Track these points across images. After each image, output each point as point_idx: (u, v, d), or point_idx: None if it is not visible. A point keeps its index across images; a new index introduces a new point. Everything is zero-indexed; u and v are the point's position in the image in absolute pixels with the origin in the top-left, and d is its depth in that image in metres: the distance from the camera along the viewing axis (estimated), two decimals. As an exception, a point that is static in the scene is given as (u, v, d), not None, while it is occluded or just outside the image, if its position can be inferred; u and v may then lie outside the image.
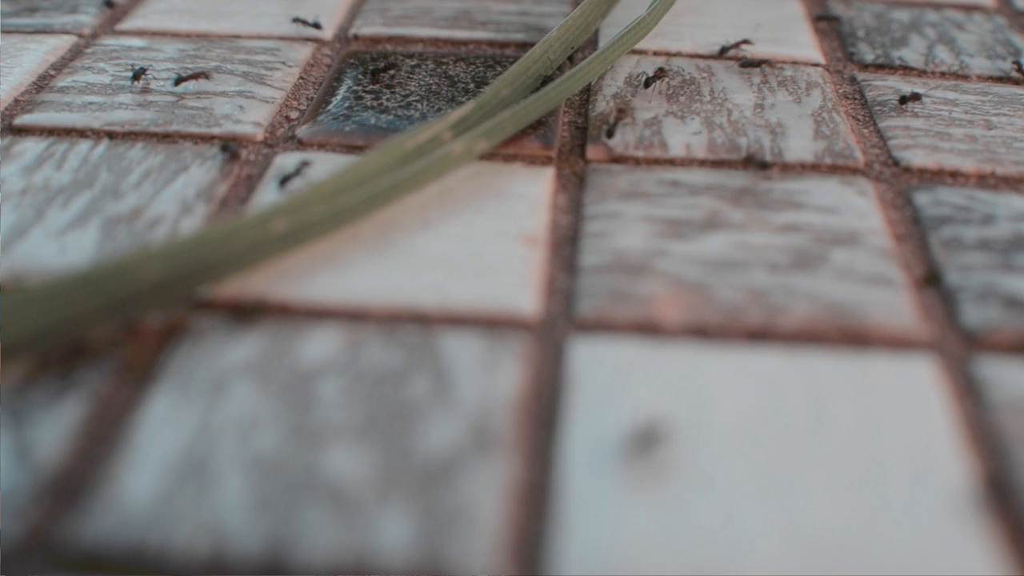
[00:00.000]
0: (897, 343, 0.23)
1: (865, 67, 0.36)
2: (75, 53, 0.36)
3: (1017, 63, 0.36)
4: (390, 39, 0.38)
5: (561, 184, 0.29)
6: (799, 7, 0.41)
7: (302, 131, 0.31)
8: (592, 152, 0.30)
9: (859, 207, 0.28)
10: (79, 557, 0.18)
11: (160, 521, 0.19)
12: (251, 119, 0.32)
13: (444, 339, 0.23)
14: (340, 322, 0.24)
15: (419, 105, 0.33)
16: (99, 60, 0.35)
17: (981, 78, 0.36)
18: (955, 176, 0.30)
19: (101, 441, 0.21)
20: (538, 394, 0.22)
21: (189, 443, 0.20)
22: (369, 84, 0.34)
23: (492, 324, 0.24)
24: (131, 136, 0.31)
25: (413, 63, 0.36)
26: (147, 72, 0.32)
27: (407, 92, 0.34)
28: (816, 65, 0.36)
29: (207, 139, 0.31)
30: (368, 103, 0.33)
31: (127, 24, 0.38)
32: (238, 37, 0.37)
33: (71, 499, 0.19)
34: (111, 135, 0.31)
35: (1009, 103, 0.34)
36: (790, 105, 0.33)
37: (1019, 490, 0.20)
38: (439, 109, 0.33)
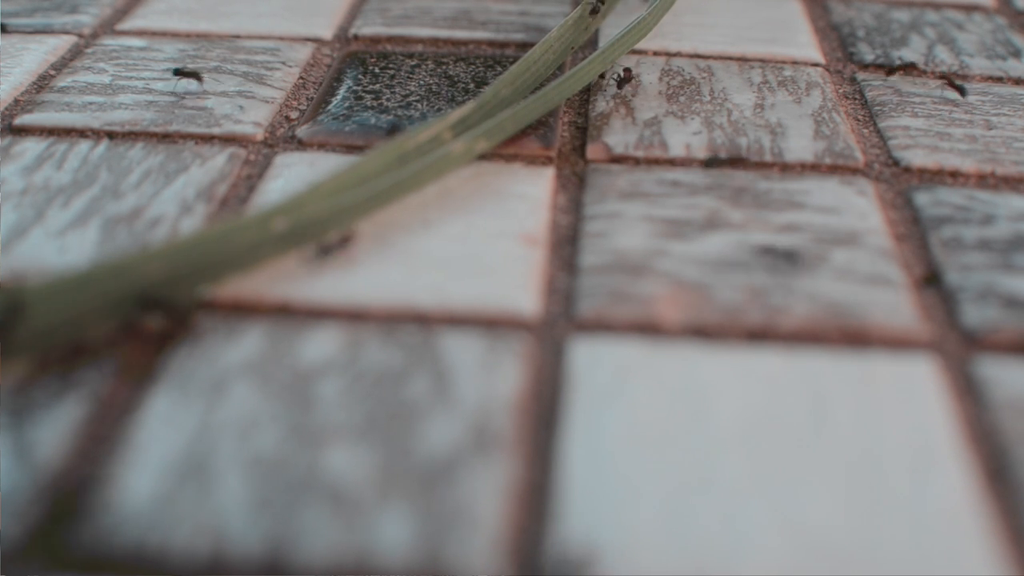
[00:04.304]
0: (897, 343, 0.23)
1: (865, 67, 0.36)
2: (75, 53, 0.36)
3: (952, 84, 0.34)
4: (390, 39, 0.38)
5: (561, 184, 0.29)
6: (799, 7, 0.41)
7: (302, 131, 0.31)
8: (592, 152, 0.30)
9: (859, 207, 0.28)
10: (79, 557, 0.18)
11: (160, 521, 0.19)
12: (251, 119, 0.32)
13: (444, 339, 0.23)
14: (340, 322, 0.24)
15: (419, 105, 0.33)
16: (99, 60, 0.35)
17: (981, 78, 0.36)
18: (955, 176, 0.30)
19: (101, 441, 0.21)
20: (538, 394, 0.22)
21: (189, 443, 0.20)
22: (369, 84, 0.34)
23: (492, 324, 0.24)
24: (131, 136, 0.31)
25: (413, 63, 0.36)
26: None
27: (407, 92, 0.34)
28: (816, 65, 0.36)
29: (207, 139, 0.31)
30: (368, 103, 0.33)
31: (127, 24, 0.38)
32: (238, 37, 0.37)
33: (71, 499, 0.19)
34: (111, 135, 0.31)
35: (1009, 103, 0.34)
36: (790, 105, 0.33)
37: (1019, 490, 0.20)
38: (439, 109, 0.33)
